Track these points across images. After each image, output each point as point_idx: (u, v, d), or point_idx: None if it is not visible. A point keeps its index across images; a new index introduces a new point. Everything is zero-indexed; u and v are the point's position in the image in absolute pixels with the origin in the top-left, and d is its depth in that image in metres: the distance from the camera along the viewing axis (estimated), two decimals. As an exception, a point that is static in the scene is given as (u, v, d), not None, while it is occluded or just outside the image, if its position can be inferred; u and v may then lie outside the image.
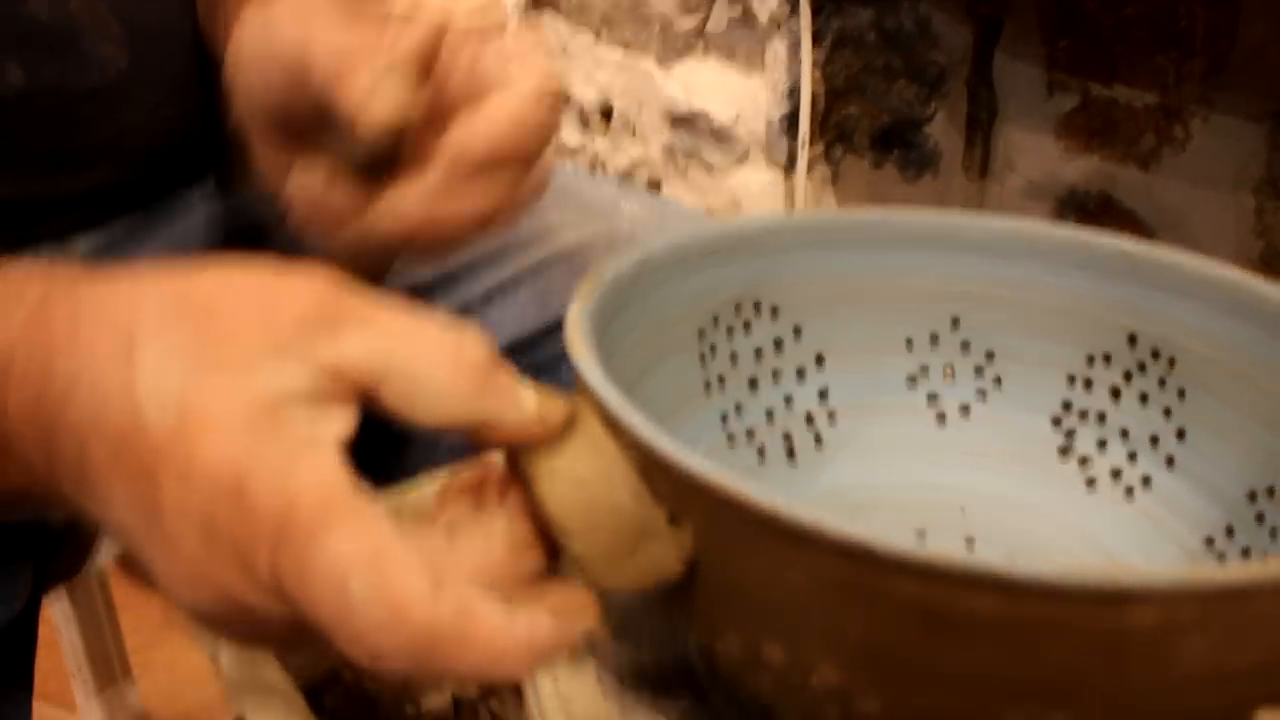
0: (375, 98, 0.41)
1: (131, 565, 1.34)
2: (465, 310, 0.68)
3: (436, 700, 0.49)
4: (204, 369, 0.32)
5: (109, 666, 1.19)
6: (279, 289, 0.34)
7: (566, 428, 0.37)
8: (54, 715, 1.23)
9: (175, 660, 1.29)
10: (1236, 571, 0.30)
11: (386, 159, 0.43)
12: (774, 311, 0.50)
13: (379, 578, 0.31)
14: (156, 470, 0.32)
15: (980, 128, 0.99)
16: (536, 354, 0.68)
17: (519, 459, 0.37)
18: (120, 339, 0.33)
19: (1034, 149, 0.98)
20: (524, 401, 0.35)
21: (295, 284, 0.35)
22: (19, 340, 0.35)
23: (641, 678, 0.44)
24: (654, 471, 0.35)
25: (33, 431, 0.35)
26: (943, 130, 1.02)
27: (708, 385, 0.49)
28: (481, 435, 0.35)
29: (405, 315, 0.35)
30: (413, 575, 0.31)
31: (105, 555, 0.78)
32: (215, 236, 0.65)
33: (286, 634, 0.34)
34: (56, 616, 1.14)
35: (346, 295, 0.35)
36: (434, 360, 0.34)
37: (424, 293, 0.68)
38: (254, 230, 0.66)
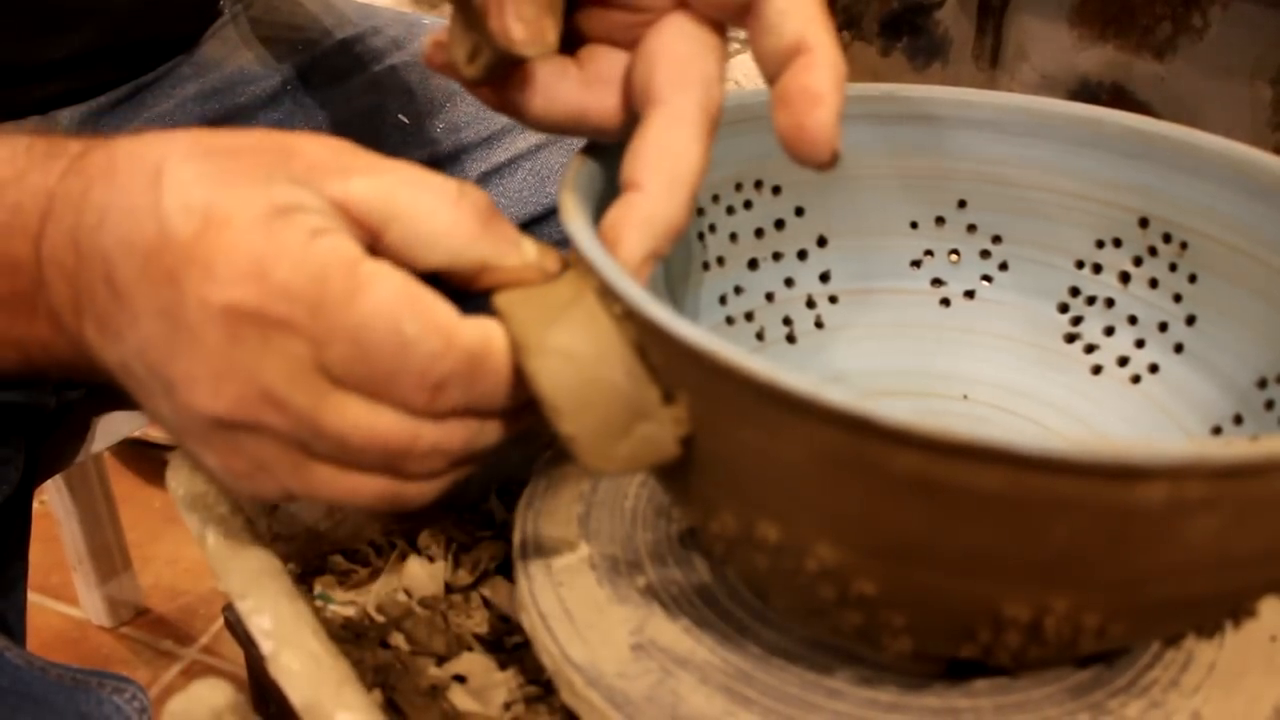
0: (513, 29, 0.38)
1: (129, 451, 1.34)
2: None
3: (430, 589, 0.49)
4: (225, 185, 0.35)
5: (109, 560, 1.20)
6: (295, 141, 0.37)
7: (561, 303, 0.36)
8: (55, 609, 1.24)
9: (175, 554, 1.30)
10: (1248, 448, 0.29)
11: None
12: (775, 190, 0.49)
13: (425, 314, 0.35)
14: (180, 272, 0.34)
15: (992, 15, 0.97)
16: (535, 237, 0.67)
17: (513, 332, 0.36)
18: (150, 170, 0.35)
19: (1047, 37, 0.95)
20: (525, 248, 0.38)
21: (311, 139, 0.37)
22: (57, 187, 0.37)
23: (635, 565, 0.44)
24: (650, 342, 0.34)
25: (63, 270, 0.37)
26: (953, 17, 0.99)
27: (706, 265, 0.48)
28: (481, 279, 0.37)
29: (410, 167, 0.37)
30: (446, 307, 0.35)
31: (101, 444, 0.78)
32: (204, 113, 0.63)
33: (294, 443, 0.36)
34: (57, 511, 1.15)
35: (357, 152, 0.37)
36: (437, 202, 0.37)
37: None
38: (244, 108, 0.65)
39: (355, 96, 0.67)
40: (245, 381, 0.34)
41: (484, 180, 0.67)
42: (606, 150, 0.42)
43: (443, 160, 0.67)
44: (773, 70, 0.38)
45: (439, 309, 0.35)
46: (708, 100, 0.39)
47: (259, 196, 0.34)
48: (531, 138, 0.68)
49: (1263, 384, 0.44)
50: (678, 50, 0.39)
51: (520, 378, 0.36)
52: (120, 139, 0.37)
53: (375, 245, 0.36)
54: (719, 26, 0.40)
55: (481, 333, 0.36)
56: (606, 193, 0.41)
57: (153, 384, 0.36)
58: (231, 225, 0.34)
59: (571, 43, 0.42)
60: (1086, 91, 0.95)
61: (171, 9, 0.63)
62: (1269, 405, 0.44)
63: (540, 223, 0.67)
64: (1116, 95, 0.95)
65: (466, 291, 0.38)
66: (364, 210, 0.36)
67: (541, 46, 0.38)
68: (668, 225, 0.38)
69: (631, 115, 0.40)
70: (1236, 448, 0.29)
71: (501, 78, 0.40)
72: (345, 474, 0.37)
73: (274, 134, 0.37)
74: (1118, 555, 0.31)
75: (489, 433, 0.38)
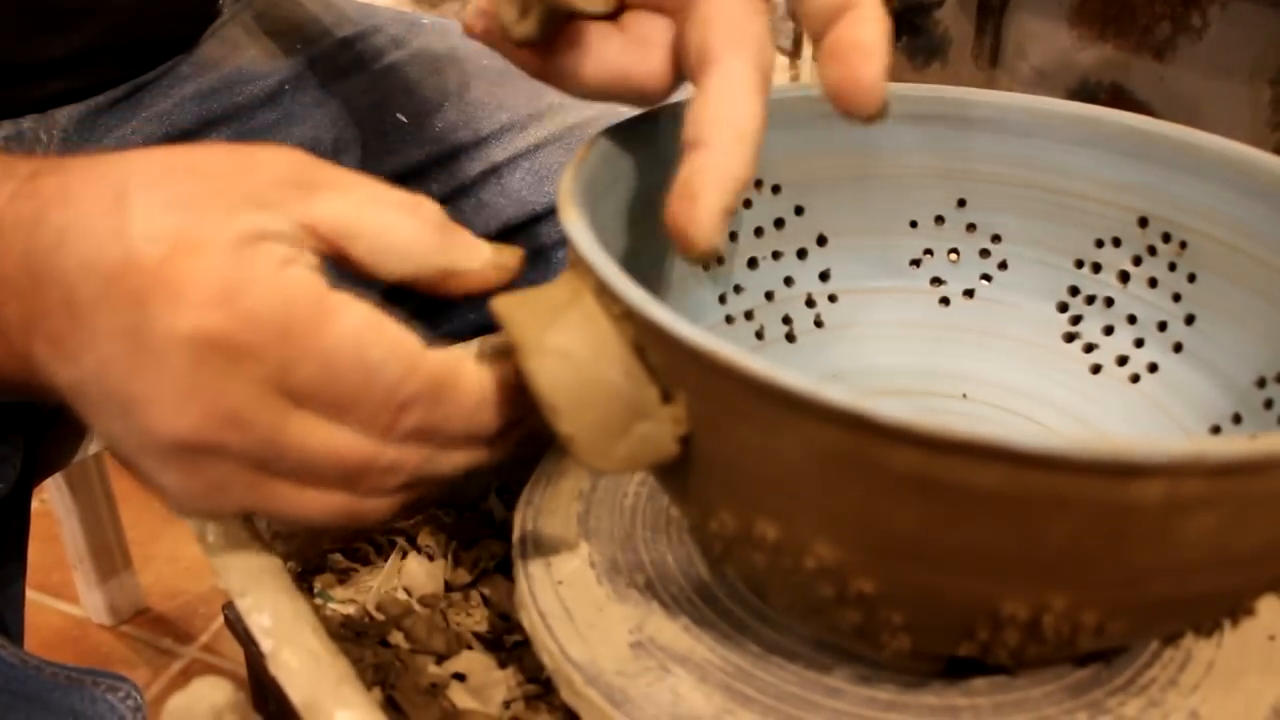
0: None
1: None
2: (460, 192, 0.67)
3: (429, 587, 0.49)
4: (192, 211, 0.35)
5: (110, 559, 1.20)
6: (258, 157, 0.37)
7: (559, 304, 0.36)
8: (56, 607, 1.24)
9: (175, 553, 1.30)
10: (1246, 446, 0.29)
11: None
12: (775, 189, 0.49)
13: (390, 340, 0.36)
14: (146, 295, 0.34)
15: (992, 14, 0.97)
16: (533, 237, 0.67)
17: (511, 334, 0.36)
18: (112, 192, 0.35)
19: (1046, 37, 0.95)
20: (482, 249, 0.40)
21: (273, 154, 0.38)
22: (6, 208, 0.37)
23: (634, 564, 0.44)
24: (648, 342, 0.34)
25: (15, 290, 0.36)
26: (953, 16, 0.99)
27: (705, 264, 0.48)
28: (448, 284, 0.39)
29: (371, 183, 0.38)
30: (411, 336, 0.36)
31: (101, 443, 0.78)
32: (202, 112, 0.63)
33: (253, 462, 0.36)
34: (58, 509, 1.15)
35: (319, 166, 0.38)
36: (398, 216, 0.38)
37: (418, 173, 0.67)
38: (242, 108, 0.65)
39: (354, 96, 0.67)
40: (209, 404, 0.35)
41: (482, 179, 0.67)
42: (607, 149, 0.42)
43: (441, 159, 0.67)
44: (820, 26, 0.38)
45: (404, 337, 0.36)
46: (762, 59, 0.39)
47: (226, 224, 0.35)
48: (531, 137, 0.68)
49: (1261, 383, 0.44)
50: (730, 13, 0.39)
51: (485, 407, 0.38)
52: (73, 161, 0.37)
53: (342, 260, 0.38)
54: None
55: (447, 360, 0.37)
56: (606, 192, 0.41)
57: (108, 405, 0.36)
58: (200, 251, 0.34)
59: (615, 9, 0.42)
60: (1086, 91, 0.95)
61: (171, 9, 0.63)
62: (1268, 404, 0.44)
63: (539, 222, 0.67)
64: (1116, 95, 0.95)
65: (437, 299, 0.40)
66: (329, 229, 0.37)
67: (600, 1, 0.39)
68: (738, 179, 0.38)
69: (674, 80, 0.41)
70: (1235, 446, 0.29)
71: (548, 39, 0.41)
72: (303, 491, 0.38)
73: (235, 150, 0.38)
74: (1116, 553, 0.31)
75: (448, 458, 0.39)
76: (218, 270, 0.34)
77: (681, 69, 0.41)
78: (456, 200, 0.67)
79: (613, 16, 0.42)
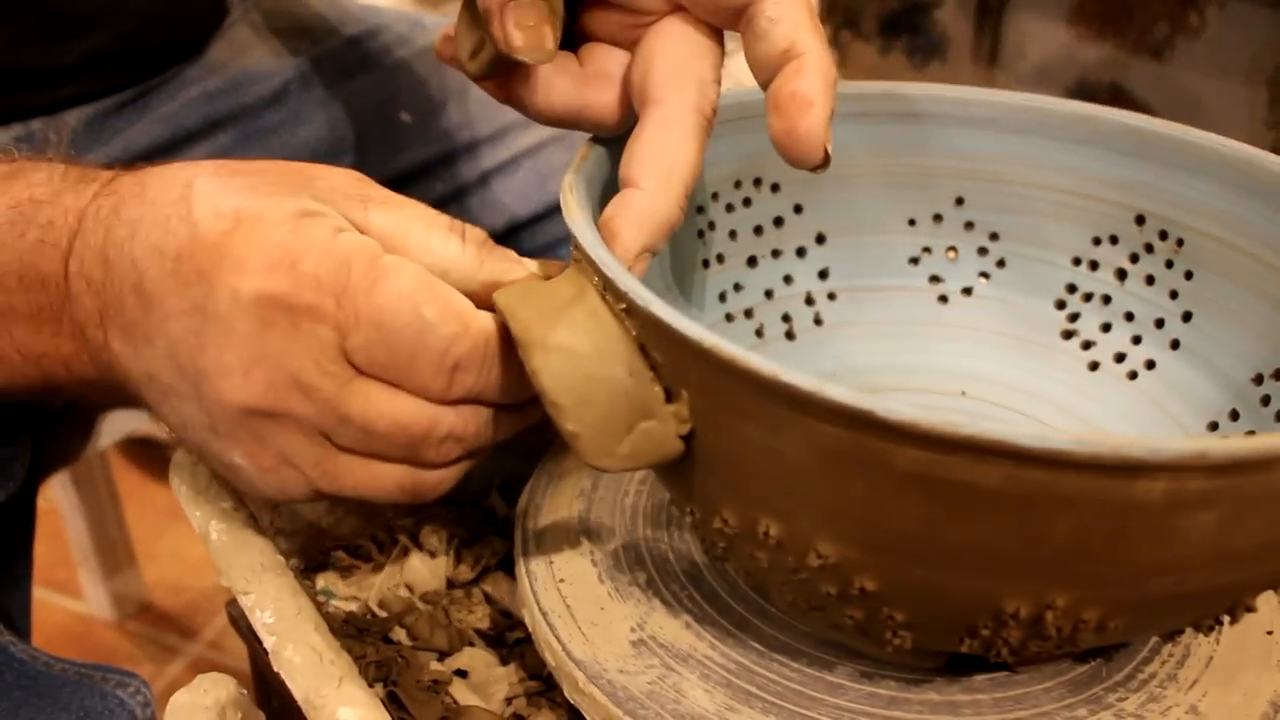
0: (513, 36, 0.40)
1: (134, 448, 1.34)
2: (463, 191, 0.67)
3: (431, 584, 0.49)
4: (254, 193, 0.37)
5: (114, 556, 1.20)
6: (319, 169, 0.40)
7: (563, 301, 0.36)
8: (61, 604, 1.24)
9: (179, 550, 1.30)
10: (1246, 444, 0.29)
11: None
12: (774, 188, 0.49)
13: (442, 300, 0.37)
14: (211, 268, 0.36)
15: (991, 14, 0.97)
16: (536, 236, 0.67)
17: (515, 330, 0.36)
18: (180, 185, 0.38)
19: (1045, 36, 0.95)
20: (526, 265, 0.41)
21: (331, 169, 0.40)
22: (89, 206, 0.40)
23: (636, 561, 0.44)
24: (651, 339, 0.35)
25: (91, 283, 0.39)
26: (952, 16, 0.99)
27: (706, 262, 0.48)
28: (490, 301, 0.39)
29: (420, 205, 0.40)
30: (461, 297, 0.38)
31: (106, 440, 0.78)
32: (209, 113, 0.63)
33: (319, 432, 0.38)
34: (62, 506, 1.15)
35: (372, 184, 0.40)
36: (446, 236, 0.40)
37: (422, 172, 0.67)
38: (248, 108, 0.65)
39: (359, 95, 0.67)
40: (275, 368, 0.36)
41: (487, 178, 0.67)
42: (608, 149, 0.42)
43: (445, 158, 0.67)
44: (765, 76, 0.38)
45: (455, 296, 0.38)
46: (702, 101, 0.40)
47: (286, 202, 0.37)
48: (534, 136, 0.68)
49: (1259, 380, 0.44)
50: (673, 53, 0.40)
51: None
52: (149, 166, 0.40)
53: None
54: (715, 31, 0.41)
55: (495, 321, 0.38)
56: (608, 190, 0.41)
57: (181, 385, 0.38)
58: (262, 223, 0.36)
59: (574, 41, 0.43)
60: (1084, 90, 0.95)
61: (181, 14, 0.63)
62: (1265, 401, 0.44)
63: (542, 220, 0.67)
64: (1114, 94, 0.95)
65: None
66: (380, 236, 0.39)
67: (540, 54, 0.39)
68: (662, 221, 0.39)
69: (630, 112, 0.41)
70: (1237, 444, 0.29)
71: (504, 73, 0.42)
72: (367, 464, 0.39)
73: (295, 163, 0.40)
74: (1118, 550, 0.31)
75: (501, 422, 0.40)
76: (278, 238, 0.36)
77: None
78: (460, 199, 0.67)
79: (574, 47, 0.43)
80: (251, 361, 0.36)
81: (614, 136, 0.43)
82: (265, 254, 0.36)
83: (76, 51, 0.59)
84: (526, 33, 0.39)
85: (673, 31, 0.40)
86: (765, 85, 0.39)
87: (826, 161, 0.38)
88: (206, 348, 0.37)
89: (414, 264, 0.38)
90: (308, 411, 0.37)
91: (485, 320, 0.38)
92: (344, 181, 0.40)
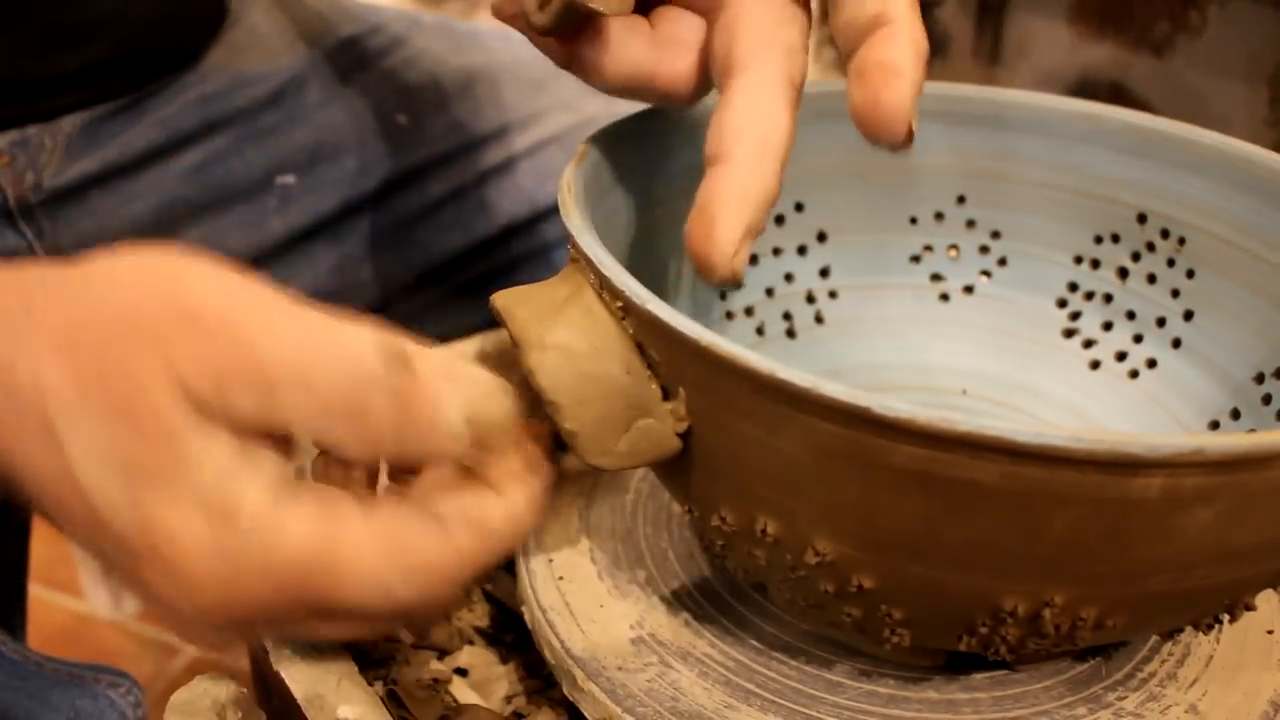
0: None
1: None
2: (460, 192, 0.67)
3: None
4: (139, 479, 0.31)
5: (113, 555, 1.20)
6: (167, 335, 0.31)
7: (560, 301, 0.36)
8: (60, 602, 1.24)
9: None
10: (1245, 441, 0.29)
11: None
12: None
13: (406, 569, 0.33)
14: (138, 564, 0.32)
15: (991, 12, 0.97)
16: (534, 237, 0.67)
17: (512, 330, 0.36)
18: (40, 428, 0.31)
19: (1046, 35, 0.96)
20: (453, 427, 0.33)
21: (180, 327, 0.31)
22: None
23: (635, 559, 0.44)
24: (649, 337, 0.35)
25: None
26: (953, 14, 0.99)
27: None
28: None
29: (296, 367, 0.31)
30: (426, 540, 0.33)
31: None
32: (205, 115, 0.63)
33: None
34: (60, 505, 1.15)
35: (233, 334, 0.31)
36: (332, 427, 0.32)
37: (420, 174, 0.67)
38: (244, 111, 0.65)
39: (356, 97, 0.67)
40: (241, 638, 0.35)
41: (485, 178, 0.67)
42: (609, 148, 0.42)
43: (442, 159, 0.67)
44: (850, 42, 0.36)
45: (419, 555, 0.33)
46: (792, 69, 0.37)
47: (188, 503, 0.31)
48: (532, 136, 0.68)
49: (1260, 379, 0.44)
50: (759, 18, 0.37)
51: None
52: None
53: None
54: None
55: (466, 543, 0.35)
56: (608, 189, 0.41)
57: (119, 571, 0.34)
58: (179, 549, 0.31)
59: (646, 3, 0.40)
60: (1085, 88, 0.95)
61: (181, 21, 0.63)
62: (1266, 400, 0.44)
63: (541, 220, 0.67)
64: (1115, 92, 0.95)
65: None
66: (258, 430, 0.32)
67: (615, 3, 0.36)
68: (762, 197, 0.36)
69: (703, 84, 0.39)
70: (1234, 441, 0.29)
71: (571, 30, 0.39)
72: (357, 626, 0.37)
73: (136, 329, 0.31)
74: (1116, 548, 0.31)
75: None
76: (210, 575, 0.31)
77: (710, 73, 0.39)
78: (458, 200, 0.67)
79: (645, 10, 0.40)
80: (203, 628, 0.33)
81: (616, 137, 0.43)
82: (198, 591, 0.32)
83: (76, 60, 0.58)
84: None
85: None
86: (849, 54, 0.36)
87: (910, 139, 0.35)
88: (150, 593, 0.33)
89: (366, 540, 0.33)
90: (280, 628, 0.36)
91: (453, 559, 0.34)
92: (213, 355, 0.31)
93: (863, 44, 0.35)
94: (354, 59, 0.68)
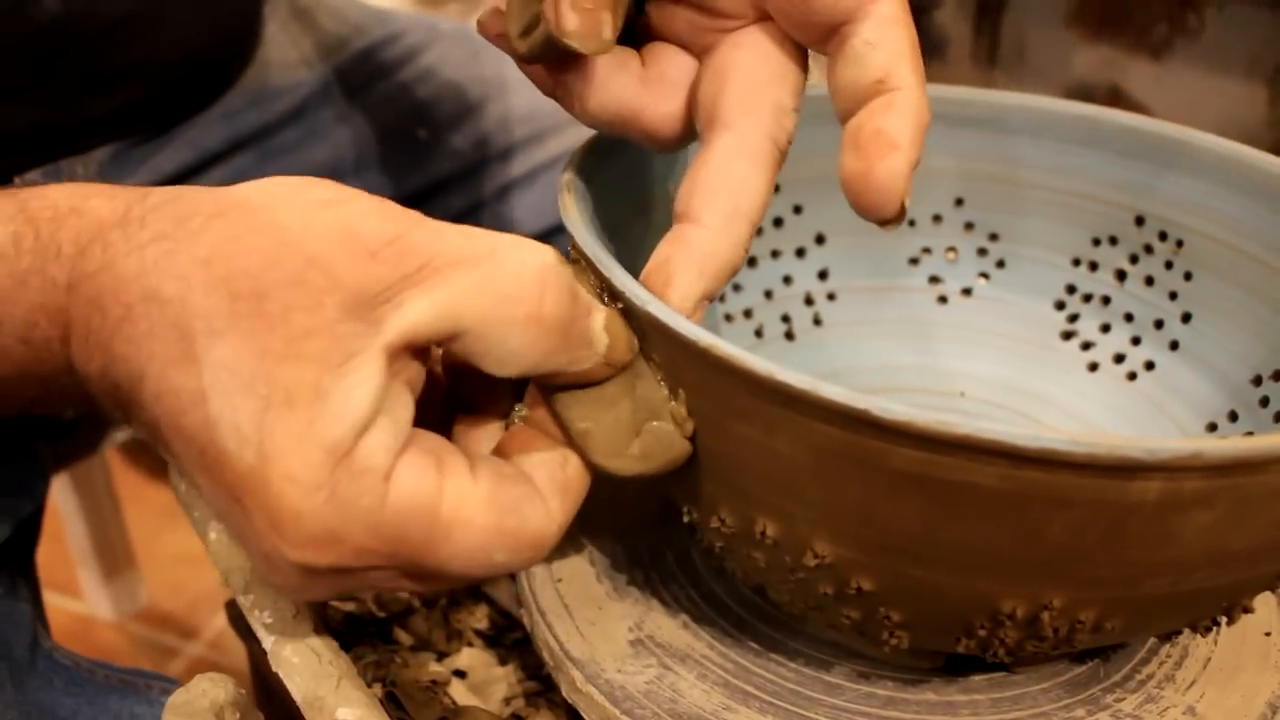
0: (566, 18, 0.35)
1: (133, 448, 1.34)
2: (478, 206, 0.67)
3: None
4: (274, 405, 0.30)
5: (114, 556, 1.20)
6: (325, 257, 0.30)
7: None
8: (61, 604, 1.24)
9: (179, 551, 1.30)
10: (1243, 444, 0.29)
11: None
12: (774, 188, 0.49)
13: (509, 538, 0.32)
14: (245, 501, 0.31)
15: (989, 15, 0.97)
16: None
17: None
18: (178, 341, 0.30)
19: (1044, 38, 0.96)
20: (596, 345, 0.34)
21: (338, 243, 0.31)
22: (71, 304, 0.33)
23: (634, 561, 0.44)
24: (649, 338, 0.35)
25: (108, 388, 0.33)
26: (951, 17, 0.99)
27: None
28: (553, 381, 0.34)
29: (472, 261, 0.31)
30: (529, 508, 0.33)
31: (106, 441, 0.78)
32: (230, 132, 0.63)
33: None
34: (62, 506, 1.15)
35: (400, 245, 0.31)
36: (510, 320, 0.32)
37: (440, 188, 0.67)
38: (268, 127, 0.65)
39: (375, 111, 0.67)
40: (324, 589, 0.33)
41: (503, 193, 0.67)
42: (609, 147, 0.42)
43: (462, 174, 0.67)
44: (848, 105, 0.34)
45: (522, 526, 0.33)
46: (778, 131, 0.36)
47: (315, 437, 0.30)
48: (550, 149, 0.68)
49: (1258, 381, 0.44)
50: (751, 71, 0.36)
51: None
52: (114, 250, 0.32)
53: (446, 348, 0.33)
54: (799, 51, 0.36)
55: (559, 518, 0.34)
56: (608, 189, 0.41)
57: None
58: (293, 482, 0.30)
59: (637, 38, 0.39)
60: (1083, 91, 0.95)
61: (211, 64, 0.63)
62: (1264, 402, 0.44)
63: (559, 233, 0.67)
64: (1113, 95, 0.95)
65: None
66: (428, 337, 0.31)
67: (593, 42, 0.35)
68: (724, 264, 0.35)
69: (689, 128, 0.38)
70: (1232, 444, 0.29)
71: (556, 59, 0.37)
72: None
73: (297, 250, 0.31)
74: (1114, 550, 0.31)
75: None
76: (316, 512, 0.30)
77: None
78: (476, 213, 0.67)
79: (638, 44, 0.38)
80: (301, 584, 0.32)
81: (616, 137, 0.43)
82: (304, 529, 0.30)
83: (107, 104, 0.58)
84: (582, 16, 0.34)
85: (753, 46, 0.36)
86: (845, 117, 0.34)
87: (900, 216, 0.34)
88: (248, 540, 0.32)
89: (470, 504, 0.32)
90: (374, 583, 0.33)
91: (551, 532, 0.34)
92: (363, 274, 0.30)
93: (861, 109, 0.34)
94: (373, 71, 0.68)
